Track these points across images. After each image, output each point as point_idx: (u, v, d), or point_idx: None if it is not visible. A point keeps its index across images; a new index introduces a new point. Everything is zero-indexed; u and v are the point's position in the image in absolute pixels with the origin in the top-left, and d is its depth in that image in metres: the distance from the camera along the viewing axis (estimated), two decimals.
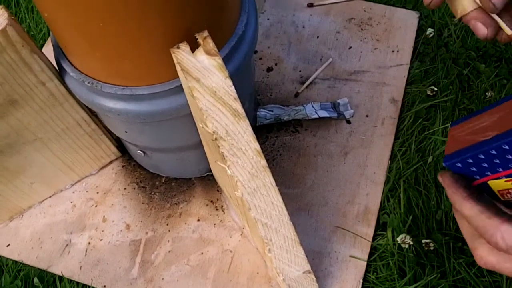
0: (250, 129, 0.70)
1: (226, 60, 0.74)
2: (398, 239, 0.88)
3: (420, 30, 1.20)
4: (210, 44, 0.65)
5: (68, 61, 0.77)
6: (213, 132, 0.68)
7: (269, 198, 0.74)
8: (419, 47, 1.17)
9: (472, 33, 1.20)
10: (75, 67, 0.76)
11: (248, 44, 0.79)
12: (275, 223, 0.76)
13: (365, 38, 1.17)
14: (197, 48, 0.66)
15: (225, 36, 0.75)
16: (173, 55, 0.65)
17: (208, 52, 0.65)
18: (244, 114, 0.69)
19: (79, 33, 0.66)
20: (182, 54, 0.65)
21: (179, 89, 0.73)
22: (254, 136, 0.70)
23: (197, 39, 0.66)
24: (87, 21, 0.62)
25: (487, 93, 1.11)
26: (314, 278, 0.82)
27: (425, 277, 0.86)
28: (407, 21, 1.20)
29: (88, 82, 0.74)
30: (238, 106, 0.68)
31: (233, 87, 0.67)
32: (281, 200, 0.74)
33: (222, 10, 0.72)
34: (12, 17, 0.69)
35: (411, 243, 0.87)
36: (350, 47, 1.16)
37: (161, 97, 0.74)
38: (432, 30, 1.18)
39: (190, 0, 0.64)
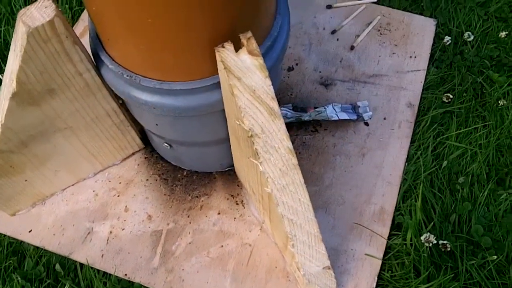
0: (284, 127, 0.73)
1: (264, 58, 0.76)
2: (422, 238, 0.91)
3: (437, 37, 1.23)
4: (254, 44, 0.67)
5: (107, 53, 0.79)
6: (249, 129, 0.71)
7: (297, 195, 0.77)
8: (435, 53, 1.20)
9: (487, 43, 1.23)
10: (113, 60, 0.78)
11: (282, 45, 0.81)
12: (300, 219, 0.79)
13: (383, 42, 1.20)
14: (240, 48, 0.68)
15: (262, 36, 0.77)
16: (217, 53, 0.68)
17: (250, 52, 0.68)
18: (279, 113, 0.72)
19: (127, 26, 0.68)
20: (226, 53, 0.67)
21: (215, 86, 0.76)
22: (288, 134, 0.73)
23: (240, 39, 0.68)
24: (137, 16, 0.64)
25: (499, 102, 1.14)
26: (333, 274, 0.85)
27: (439, 277, 0.89)
28: (424, 27, 1.23)
29: (127, 75, 0.76)
30: (274, 105, 0.71)
31: (271, 86, 0.70)
32: (308, 197, 0.77)
33: (262, 12, 0.74)
34: (59, 9, 0.71)
35: (435, 242, 0.91)
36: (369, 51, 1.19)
37: (197, 93, 0.76)
38: (449, 38, 1.21)
39: (233, 1, 0.67)
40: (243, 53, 0.68)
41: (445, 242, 0.92)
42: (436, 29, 1.24)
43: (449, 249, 0.92)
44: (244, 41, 0.68)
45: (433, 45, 1.22)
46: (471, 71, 1.19)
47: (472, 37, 1.23)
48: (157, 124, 0.89)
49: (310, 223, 0.79)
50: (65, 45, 0.75)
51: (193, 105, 0.78)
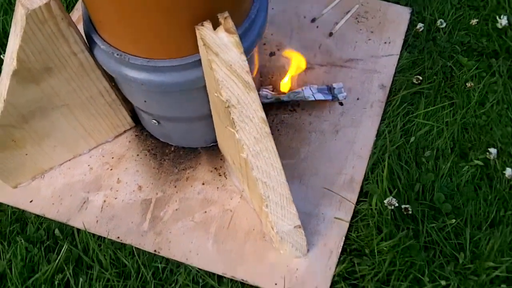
0: (258, 99, 0.82)
1: (241, 38, 0.85)
2: (385, 201, 1.01)
3: (412, 24, 1.32)
4: (230, 23, 0.76)
5: (99, 35, 0.88)
6: (226, 100, 0.80)
7: (270, 161, 0.86)
8: (409, 39, 1.29)
9: (459, 29, 1.32)
10: (105, 41, 0.87)
11: (259, 27, 0.90)
12: (273, 182, 0.88)
13: (360, 29, 1.29)
14: (218, 26, 0.77)
15: (240, 18, 0.86)
16: (197, 31, 0.76)
17: (227, 30, 0.77)
18: (254, 86, 0.81)
19: (116, 9, 0.77)
20: (205, 31, 0.76)
21: (197, 63, 0.85)
22: (261, 105, 0.82)
23: (218, 19, 0.77)
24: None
25: (467, 84, 1.23)
26: (303, 233, 0.95)
27: (399, 234, 0.98)
28: (399, 15, 1.31)
29: (117, 54, 0.85)
30: (249, 78, 0.80)
31: (246, 62, 0.79)
32: (279, 162, 0.86)
33: None
34: None
35: (397, 204, 1.00)
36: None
37: (181, 70, 0.85)
38: (422, 25, 1.30)
39: None
40: (221, 31, 0.77)
41: (407, 206, 1.02)
42: (411, 17, 1.32)
43: (410, 212, 1.02)
44: (221, 20, 0.77)
45: (407, 31, 1.30)
46: (442, 56, 1.28)
47: (444, 24, 1.32)
48: (145, 101, 0.98)
49: (282, 186, 0.88)
50: (61, 27, 0.84)
51: (177, 81, 0.87)
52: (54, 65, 0.90)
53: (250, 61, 0.95)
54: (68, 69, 0.93)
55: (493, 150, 1.14)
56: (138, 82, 0.88)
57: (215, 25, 0.78)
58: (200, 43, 0.78)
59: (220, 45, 0.78)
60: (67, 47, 0.89)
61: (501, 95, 1.23)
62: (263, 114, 0.83)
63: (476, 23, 1.33)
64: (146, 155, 1.14)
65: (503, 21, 1.30)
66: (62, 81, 0.94)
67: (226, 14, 0.77)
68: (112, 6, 0.77)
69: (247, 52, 0.89)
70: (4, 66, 0.89)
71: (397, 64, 1.24)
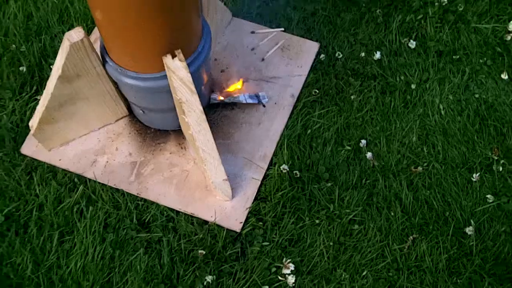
0: (198, 98, 1.43)
1: (190, 64, 1.45)
2: (281, 167, 1.62)
3: (319, 54, 1.94)
4: (181, 55, 1.38)
5: (109, 56, 1.49)
6: (179, 98, 1.41)
7: (206, 136, 1.47)
8: (315, 65, 1.90)
9: (351, 59, 1.94)
10: (112, 60, 1.48)
11: (204, 56, 1.51)
12: (209, 149, 1.49)
13: (283, 56, 1.91)
14: (175, 57, 1.38)
15: (191, 51, 1.47)
16: (163, 59, 1.38)
17: (180, 59, 1.38)
18: (195, 91, 1.42)
19: (121, 45, 1.38)
20: (167, 59, 1.37)
21: (166, 76, 1.45)
22: (200, 102, 1.43)
23: (175, 53, 1.38)
24: (126, 41, 1.35)
25: (351, 96, 1.85)
26: (229, 184, 1.56)
27: (288, 188, 1.60)
28: (311, 48, 1.93)
29: (119, 69, 1.46)
30: (192, 87, 1.41)
31: (191, 77, 1.40)
32: (212, 137, 1.47)
33: (190, 41, 1.45)
34: (85, 32, 1.41)
35: (288, 169, 1.61)
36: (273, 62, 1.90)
37: (156, 80, 1.46)
38: (324, 55, 1.91)
39: (174, 36, 1.37)
40: (176, 60, 1.38)
41: (296, 171, 1.63)
42: (318, 49, 1.94)
43: (298, 175, 1.63)
44: (176, 53, 1.38)
45: (315, 59, 1.92)
46: (337, 77, 1.89)
47: (341, 55, 1.93)
48: (135, 97, 1.59)
49: (214, 152, 1.49)
50: (88, 51, 1.44)
51: (154, 86, 1.47)
52: (82, 73, 1.51)
53: (199, 76, 1.56)
54: (90, 76, 1.54)
55: (363, 141, 1.76)
56: (132, 86, 1.49)
57: (173, 56, 1.39)
58: (165, 65, 1.39)
59: (175, 67, 1.39)
60: (90, 63, 1.49)
61: (373, 105, 1.84)
62: (201, 108, 1.44)
63: (364, 55, 1.94)
64: (135, 133, 1.74)
65: (377, 55, 1.92)
66: (85, 83, 1.55)
67: (179, 50, 1.38)
68: (116, 43, 1.39)
69: (196, 71, 1.49)
70: (52, 72, 1.50)
71: (305, 81, 1.86)
